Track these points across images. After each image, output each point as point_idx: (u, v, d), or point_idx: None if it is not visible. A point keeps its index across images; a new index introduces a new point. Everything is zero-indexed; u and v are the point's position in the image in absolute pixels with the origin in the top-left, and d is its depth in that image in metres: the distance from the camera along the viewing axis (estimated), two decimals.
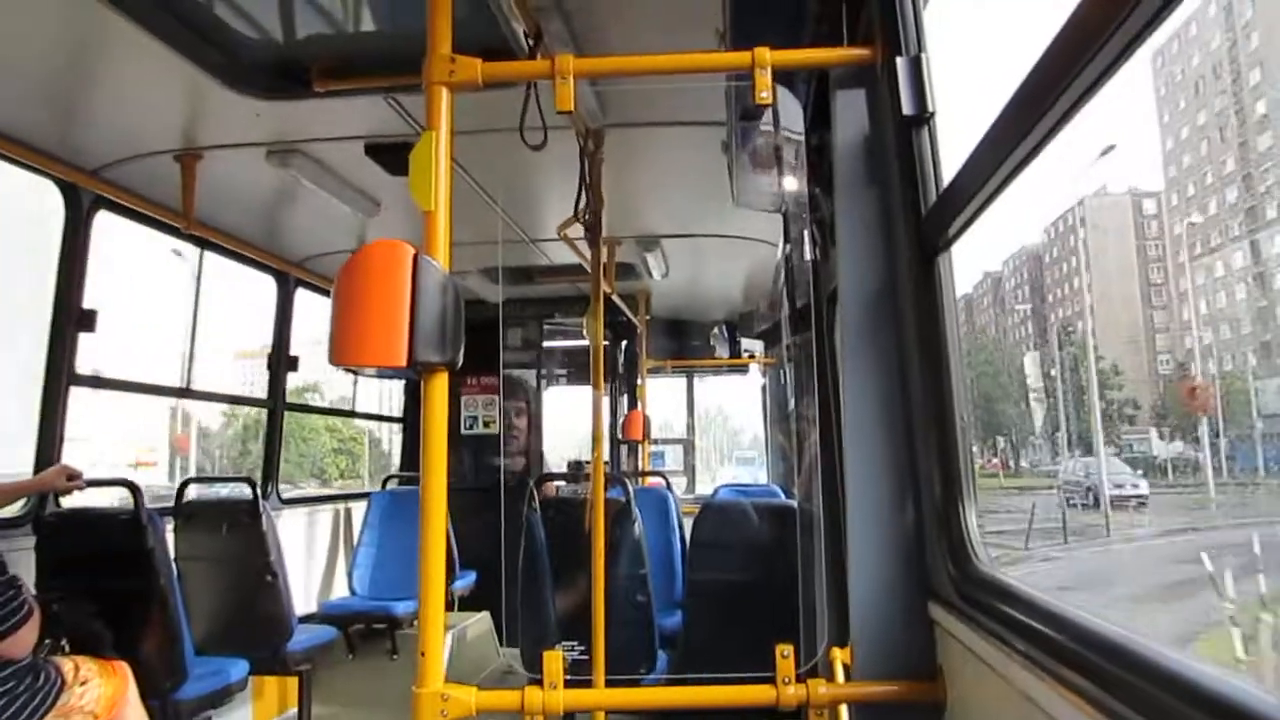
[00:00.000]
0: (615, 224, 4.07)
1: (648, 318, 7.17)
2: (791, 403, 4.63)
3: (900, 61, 1.82)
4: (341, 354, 1.70)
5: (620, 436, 7.14)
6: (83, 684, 2.92)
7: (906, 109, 1.80)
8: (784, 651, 1.79)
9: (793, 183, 2.88)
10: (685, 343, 8.01)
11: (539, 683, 1.85)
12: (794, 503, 4.05)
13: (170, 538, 3.83)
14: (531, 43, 2.61)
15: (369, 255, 1.72)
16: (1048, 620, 1.19)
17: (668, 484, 6.14)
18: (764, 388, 8.35)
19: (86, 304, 3.86)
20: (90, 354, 3.93)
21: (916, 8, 1.88)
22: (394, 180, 3.91)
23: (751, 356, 7.97)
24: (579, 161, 3.31)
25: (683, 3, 2.63)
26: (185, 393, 4.88)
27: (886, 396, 1.90)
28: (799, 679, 1.80)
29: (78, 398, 3.83)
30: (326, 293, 5.75)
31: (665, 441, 8.46)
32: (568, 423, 8.02)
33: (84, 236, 3.84)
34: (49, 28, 2.70)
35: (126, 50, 2.78)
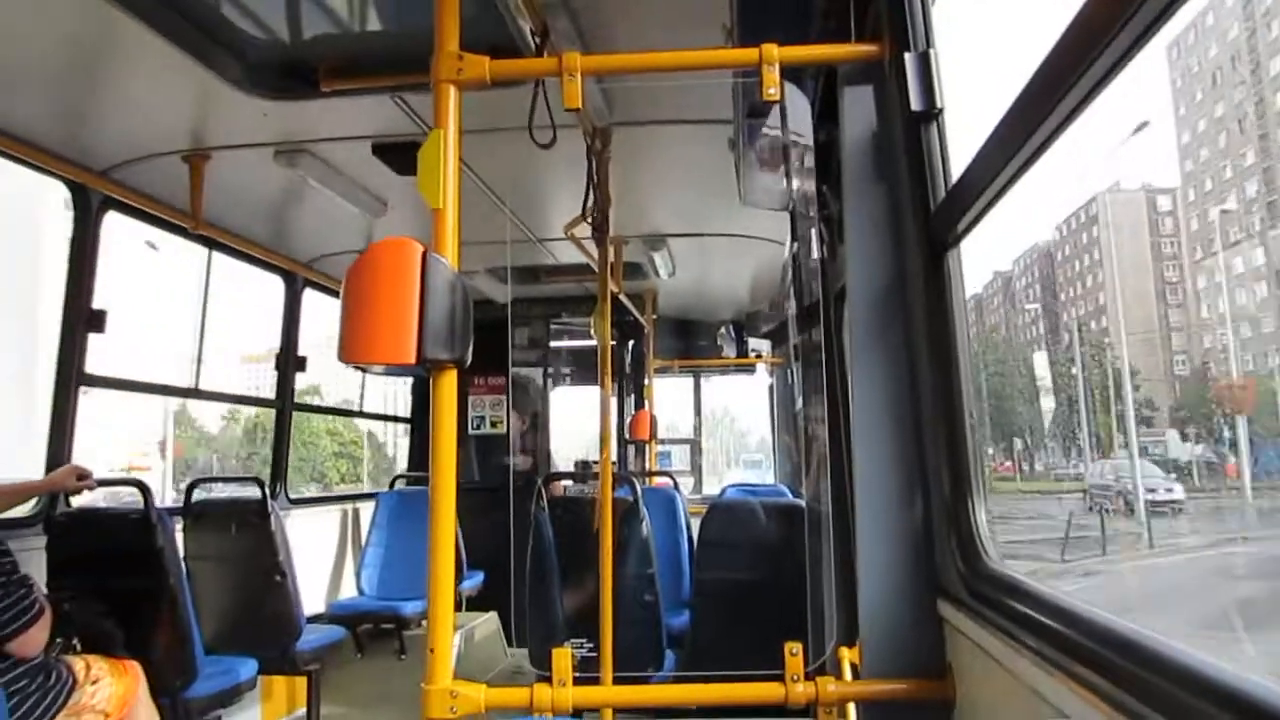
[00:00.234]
0: (622, 223, 4.08)
1: (654, 317, 7.17)
2: (799, 402, 4.63)
3: (909, 57, 1.81)
4: (351, 352, 1.71)
5: (627, 436, 7.14)
6: (94, 683, 2.93)
7: (915, 105, 1.79)
8: (793, 649, 1.78)
9: (800, 180, 2.88)
10: (692, 342, 8.02)
11: (547, 680, 1.85)
12: (802, 502, 4.05)
13: (179, 537, 3.84)
14: (538, 41, 2.61)
15: (378, 253, 1.73)
16: (1059, 616, 1.18)
17: (675, 484, 6.14)
18: (771, 387, 8.34)
19: (96, 304, 3.87)
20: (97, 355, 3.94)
21: (925, 3, 1.88)
22: (401, 180, 3.91)
23: (759, 356, 7.96)
24: (586, 160, 3.31)
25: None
26: (194, 393, 4.90)
27: (895, 393, 1.90)
28: (807, 677, 1.80)
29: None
30: (334, 293, 5.76)
31: (672, 441, 8.46)
32: (574, 423, 8.03)
33: (93, 237, 3.85)
34: (59, 30, 2.71)
35: (135, 52, 2.79)
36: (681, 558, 5.33)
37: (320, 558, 5.81)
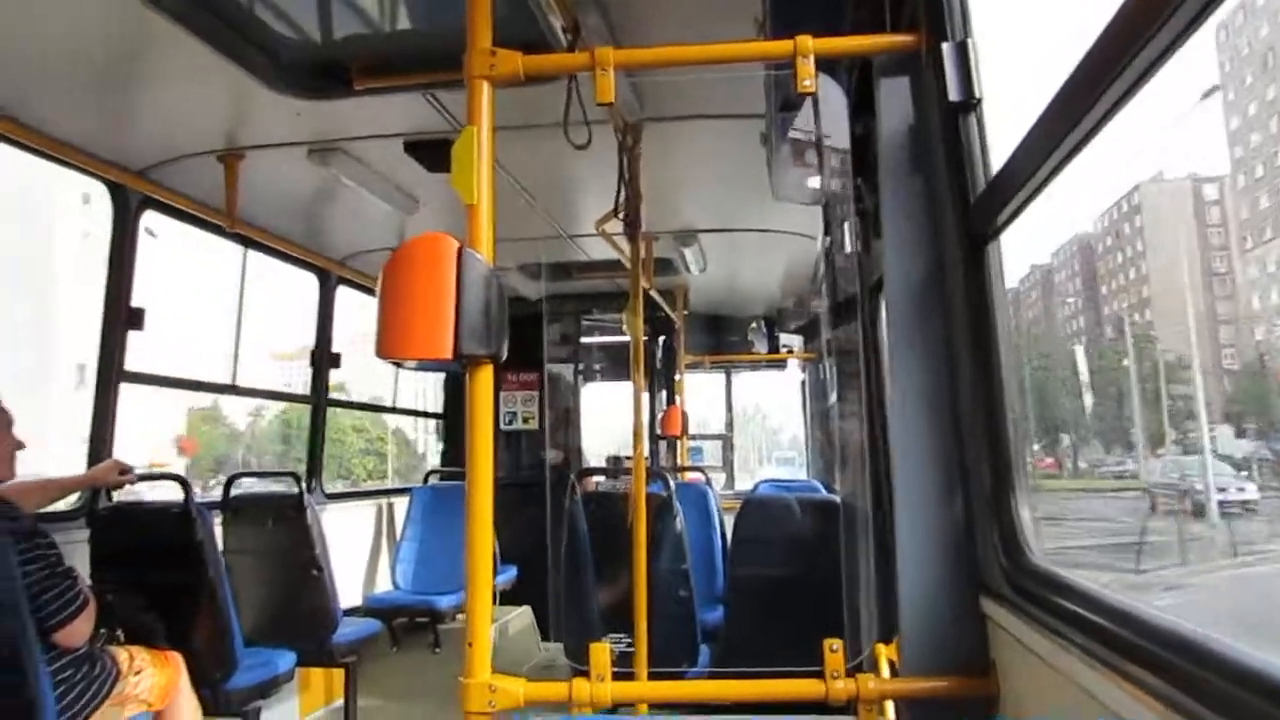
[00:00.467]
0: (653, 219, 4.07)
1: (685, 313, 7.16)
2: (833, 396, 4.60)
3: (946, 47, 1.78)
4: (388, 347, 1.72)
5: (659, 432, 7.14)
6: (137, 673, 2.98)
7: (953, 95, 1.77)
8: (832, 646, 1.77)
9: (834, 174, 2.85)
10: (723, 338, 8.00)
11: (583, 675, 1.85)
12: (836, 498, 4.02)
13: (218, 531, 3.90)
14: (569, 37, 2.61)
15: (414, 249, 1.73)
16: (1109, 614, 1.16)
17: (707, 479, 6.13)
18: (803, 383, 8.30)
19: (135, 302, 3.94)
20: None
21: None
22: (433, 177, 3.93)
23: (790, 351, 7.93)
24: (617, 157, 3.30)
25: None
26: (230, 389, 4.96)
27: (934, 387, 1.88)
28: (847, 674, 1.78)
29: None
30: (367, 290, 5.81)
31: (703, 437, 8.44)
32: (606, 418, 8.04)
33: (132, 236, 3.91)
34: (98, 33, 2.75)
35: (172, 53, 2.82)
36: (714, 553, 5.32)
37: (355, 552, 5.86)
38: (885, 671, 2.15)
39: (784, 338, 7.89)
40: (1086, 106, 1.21)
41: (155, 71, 3.07)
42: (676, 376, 7.40)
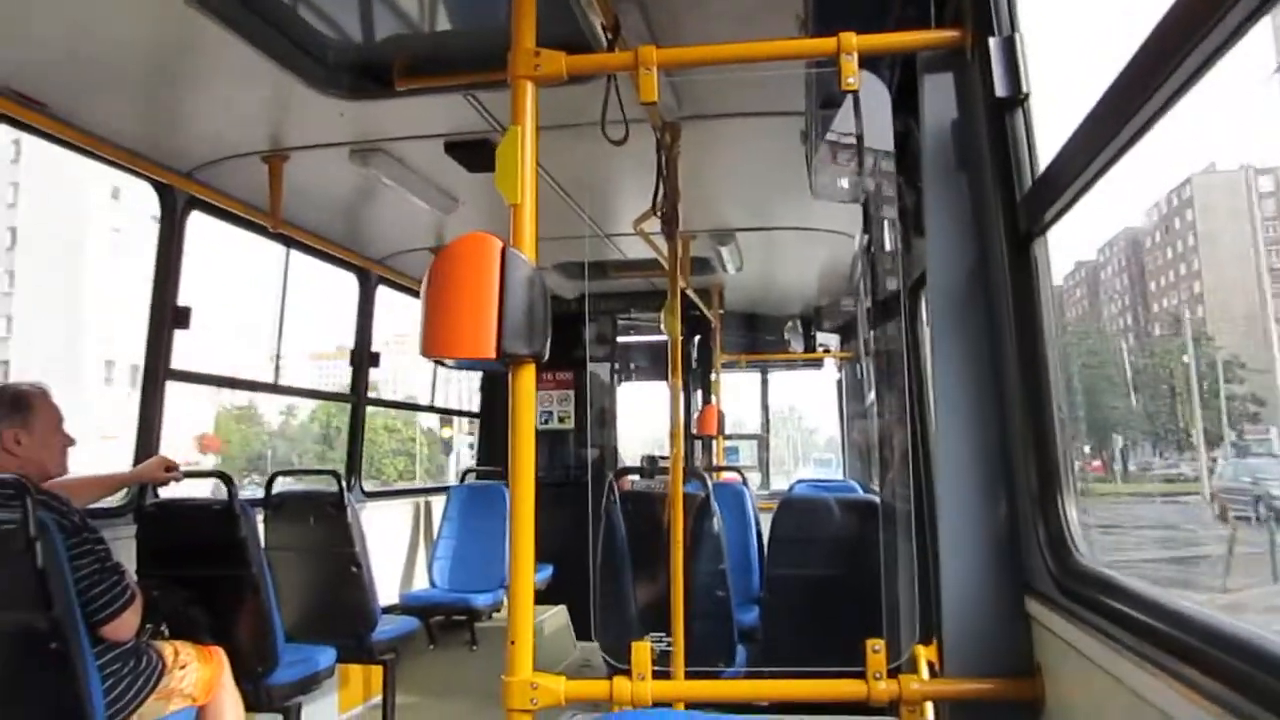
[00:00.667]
0: (690, 217, 4.06)
1: (721, 312, 7.14)
2: (871, 395, 4.56)
3: (993, 42, 1.77)
4: (432, 345, 1.73)
5: (694, 431, 7.13)
6: (182, 668, 3.03)
7: (1000, 91, 1.75)
8: (875, 647, 1.76)
9: (875, 171, 2.83)
10: (759, 337, 7.96)
11: (622, 674, 1.85)
12: (875, 497, 3.99)
13: (260, 528, 3.95)
14: (610, 36, 2.61)
15: (459, 248, 1.75)
16: (1163, 616, 1.14)
17: (743, 479, 6.11)
18: (839, 382, 8.25)
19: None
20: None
21: None
22: (472, 178, 3.96)
23: (826, 351, 7.88)
24: (655, 155, 3.30)
25: None
26: (273, 388, 5.03)
27: (978, 384, 1.86)
28: (889, 674, 1.77)
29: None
30: (406, 290, 5.86)
31: (739, 437, 8.42)
32: (641, 418, 8.04)
33: (179, 236, 3.97)
34: (146, 36, 2.80)
35: (219, 56, 2.87)
36: (750, 553, 5.30)
37: (393, 550, 5.92)
38: (925, 673, 2.13)
39: (820, 337, 7.84)
40: (1141, 101, 1.19)
41: (203, 74, 3.12)
42: (712, 376, 7.38)
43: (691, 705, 1.97)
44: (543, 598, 6.04)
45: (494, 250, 1.73)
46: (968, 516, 1.83)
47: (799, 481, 6.18)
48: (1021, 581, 1.75)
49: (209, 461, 33.43)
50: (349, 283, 5.57)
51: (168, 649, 3.04)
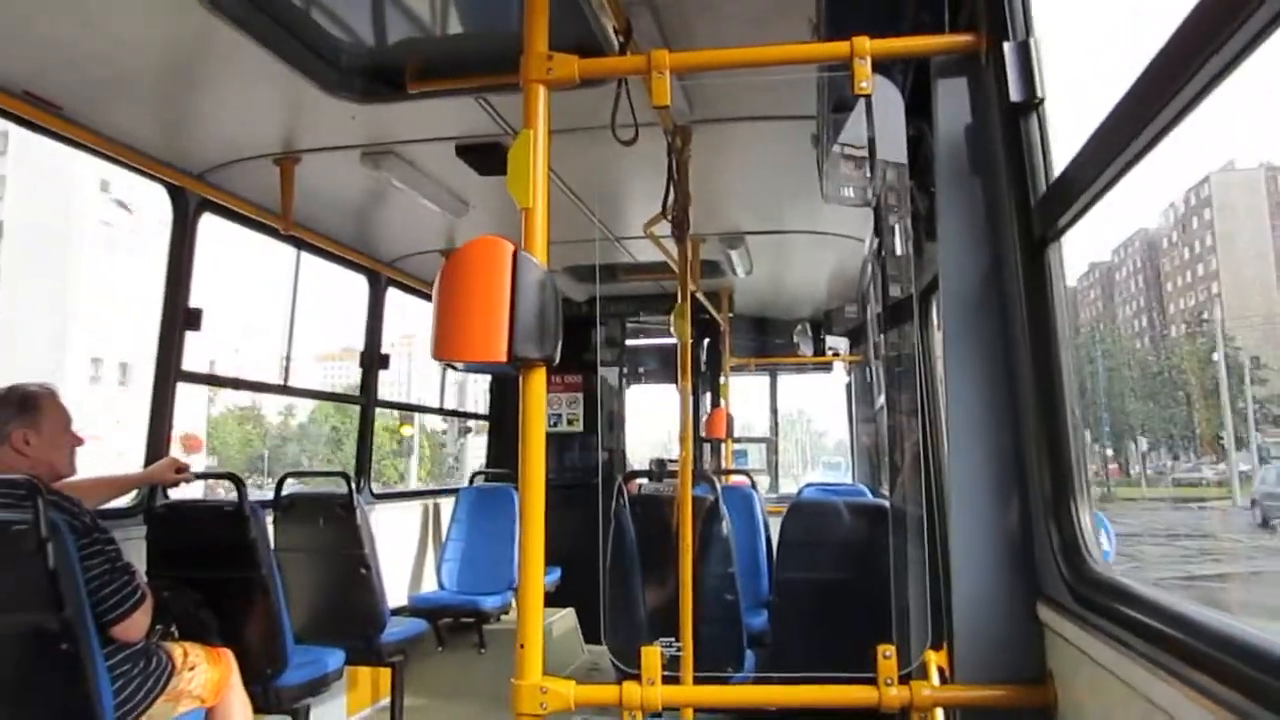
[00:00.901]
0: (700, 221, 4.06)
1: (730, 315, 7.13)
2: (880, 399, 4.54)
3: (1008, 47, 1.76)
4: (444, 349, 1.73)
5: (703, 435, 7.12)
6: (191, 669, 3.03)
7: (1015, 95, 1.74)
8: (886, 652, 1.75)
9: (887, 175, 2.82)
10: (768, 340, 7.95)
11: (631, 678, 1.85)
12: (885, 502, 3.98)
13: (269, 530, 3.96)
14: (622, 39, 2.61)
15: (471, 252, 1.74)
16: (1177, 623, 1.13)
17: (752, 483, 6.10)
18: (849, 386, 8.23)
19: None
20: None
21: None
22: (483, 181, 3.96)
23: (836, 354, 7.86)
24: (665, 159, 3.30)
25: None
26: (283, 389, 5.04)
27: (990, 388, 1.85)
28: (900, 680, 1.76)
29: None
30: (415, 292, 5.88)
31: (748, 440, 8.40)
32: (650, 421, 8.04)
33: (190, 238, 3.99)
34: (160, 38, 2.81)
35: (232, 59, 2.88)
36: (759, 557, 5.30)
37: (401, 552, 5.92)
38: (935, 678, 2.12)
39: (830, 340, 7.82)
40: (1159, 106, 1.18)
41: (216, 77, 3.13)
42: (721, 379, 7.38)
43: (700, 711, 1.96)
44: (551, 600, 6.02)
45: (505, 254, 1.73)
46: (980, 521, 1.82)
47: (808, 485, 6.17)
48: (1034, 587, 1.74)
49: (197, 461, 33.47)
50: (352, 283, 5.59)
51: (177, 650, 3.04)
